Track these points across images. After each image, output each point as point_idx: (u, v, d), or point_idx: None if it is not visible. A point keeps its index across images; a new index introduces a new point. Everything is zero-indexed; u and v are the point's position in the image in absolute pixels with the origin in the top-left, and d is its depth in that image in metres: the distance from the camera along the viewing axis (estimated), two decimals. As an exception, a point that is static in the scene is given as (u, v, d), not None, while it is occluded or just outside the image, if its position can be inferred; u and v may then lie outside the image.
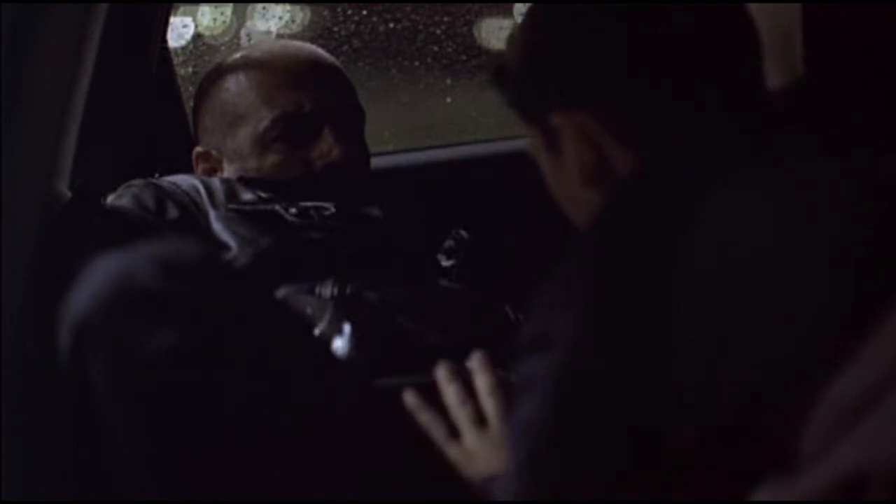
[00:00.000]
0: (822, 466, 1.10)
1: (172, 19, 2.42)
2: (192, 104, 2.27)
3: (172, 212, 2.05)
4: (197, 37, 3.10)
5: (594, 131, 1.35)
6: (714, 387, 1.18)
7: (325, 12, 3.37)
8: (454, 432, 1.56)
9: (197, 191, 2.09)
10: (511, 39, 1.46)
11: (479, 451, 1.53)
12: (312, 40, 3.06)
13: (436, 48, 3.36)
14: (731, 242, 1.22)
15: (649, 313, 1.22)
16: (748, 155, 1.30)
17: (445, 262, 2.14)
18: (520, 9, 3.57)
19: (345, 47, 3.26)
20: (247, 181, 2.11)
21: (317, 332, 1.83)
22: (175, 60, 2.46)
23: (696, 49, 1.37)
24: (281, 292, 1.93)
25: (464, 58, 3.38)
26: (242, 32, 3.36)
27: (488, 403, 1.58)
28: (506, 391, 1.57)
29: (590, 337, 1.24)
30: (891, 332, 1.13)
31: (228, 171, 2.16)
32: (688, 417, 1.19)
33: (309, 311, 1.88)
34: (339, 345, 1.82)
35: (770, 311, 1.18)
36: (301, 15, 3.44)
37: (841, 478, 1.08)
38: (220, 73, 2.20)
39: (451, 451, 1.53)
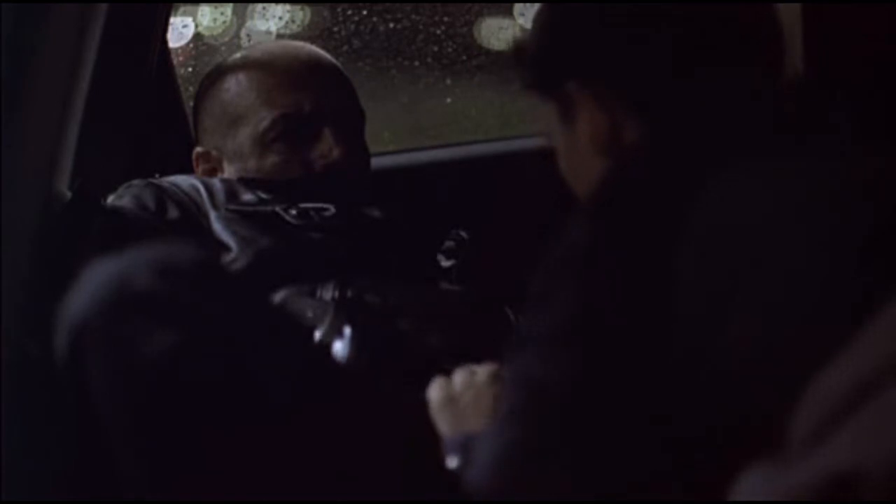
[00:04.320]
0: (813, 462, 1.09)
1: (172, 19, 2.42)
2: (192, 104, 2.27)
3: (173, 212, 2.05)
4: (197, 37, 3.10)
5: (609, 100, 1.38)
6: (708, 364, 1.19)
7: (325, 12, 3.37)
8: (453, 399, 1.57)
9: (197, 191, 2.09)
10: (536, 14, 1.48)
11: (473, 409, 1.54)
12: (312, 40, 3.06)
13: (436, 48, 3.36)
14: (731, 223, 1.22)
15: (649, 281, 1.23)
16: (759, 135, 1.31)
17: (445, 263, 2.14)
18: (520, 9, 3.58)
19: (345, 47, 3.26)
20: (247, 182, 2.11)
21: (317, 334, 1.83)
22: (175, 60, 2.46)
23: (715, 26, 1.39)
24: (281, 294, 1.93)
25: (464, 58, 3.38)
26: (242, 32, 3.37)
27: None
28: None
29: (590, 299, 1.25)
30: (886, 326, 1.13)
31: (228, 171, 2.16)
32: (680, 393, 1.20)
33: (310, 313, 1.88)
34: (340, 347, 1.82)
35: (765, 300, 1.18)
36: (301, 15, 3.44)
37: (831, 474, 1.08)
38: (220, 73, 2.20)
39: (446, 411, 1.54)
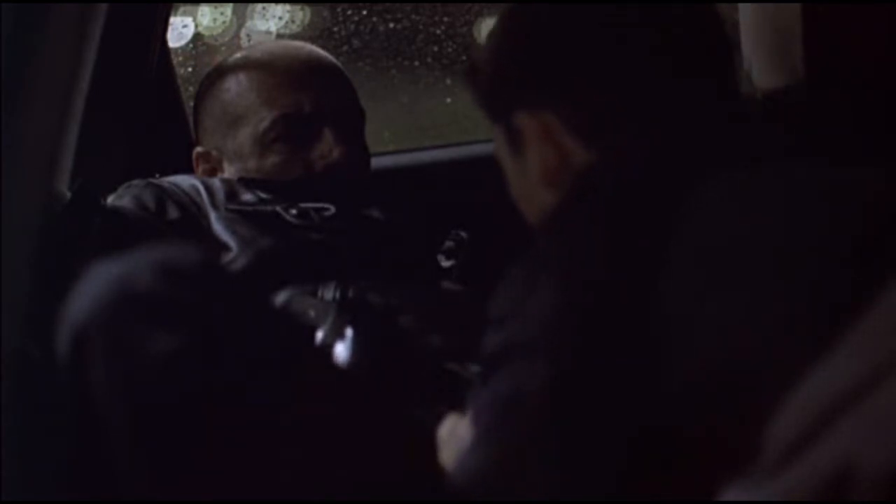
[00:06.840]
0: (804, 464, 1.09)
1: (172, 19, 2.42)
2: (192, 104, 2.27)
3: (173, 212, 2.05)
4: (197, 37, 3.10)
5: (557, 131, 1.37)
6: (680, 376, 1.19)
7: (325, 12, 3.37)
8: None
9: (197, 191, 2.09)
10: (486, 39, 1.48)
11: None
12: (312, 40, 3.06)
13: (436, 48, 3.36)
14: (697, 237, 1.22)
15: (612, 300, 1.23)
16: (713, 153, 1.31)
17: (445, 263, 2.14)
18: (520, 9, 3.57)
19: (345, 47, 3.26)
20: (247, 182, 2.11)
21: (319, 334, 1.83)
22: (175, 60, 2.46)
23: (663, 50, 1.38)
24: (282, 294, 1.93)
25: (464, 58, 3.38)
26: (242, 32, 3.37)
27: None
28: None
29: (553, 317, 1.25)
30: (874, 327, 1.13)
31: (229, 171, 2.16)
32: (655, 406, 1.20)
33: (311, 313, 1.88)
34: (342, 347, 1.82)
35: (743, 306, 1.18)
36: (301, 15, 3.44)
37: (823, 475, 1.08)
38: (220, 73, 2.20)
39: (448, 446, 1.54)
